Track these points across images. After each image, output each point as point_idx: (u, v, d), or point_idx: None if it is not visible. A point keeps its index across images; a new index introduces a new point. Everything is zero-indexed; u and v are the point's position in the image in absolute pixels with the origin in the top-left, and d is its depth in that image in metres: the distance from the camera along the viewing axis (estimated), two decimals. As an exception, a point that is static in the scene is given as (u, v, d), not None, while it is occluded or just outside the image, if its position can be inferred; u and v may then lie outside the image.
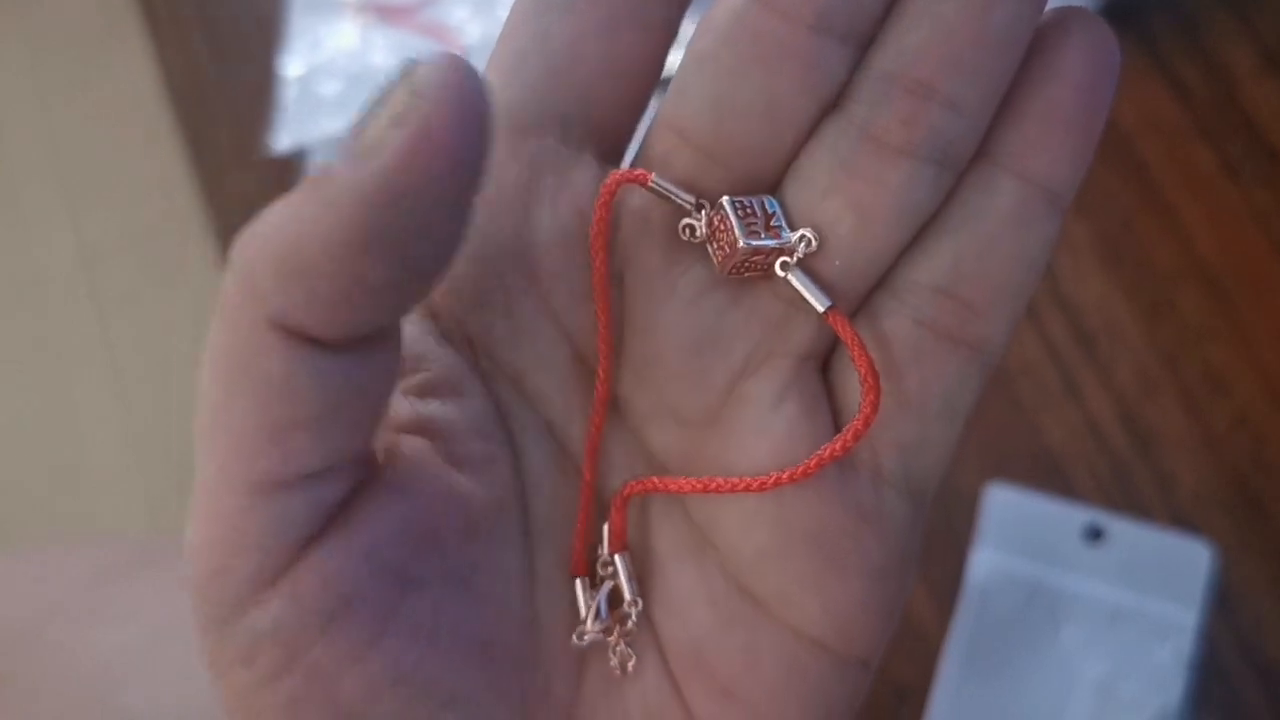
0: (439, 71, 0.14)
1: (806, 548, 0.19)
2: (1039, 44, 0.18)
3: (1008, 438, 0.42)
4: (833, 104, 0.18)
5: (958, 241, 0.19)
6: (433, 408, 0.19)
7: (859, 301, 0.19)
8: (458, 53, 0.47)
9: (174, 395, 1.14)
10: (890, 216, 0.18)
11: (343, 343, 0.16)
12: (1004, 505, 0.40)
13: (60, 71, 1.28)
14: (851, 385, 0.19)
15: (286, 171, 0.50)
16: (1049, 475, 0.41)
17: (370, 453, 0.18)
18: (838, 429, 0.19)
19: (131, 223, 1.21)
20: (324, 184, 0.14)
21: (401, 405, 0.19)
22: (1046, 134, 0.18)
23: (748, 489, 0.18)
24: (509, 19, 0.20)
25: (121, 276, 1.20)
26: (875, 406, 0.18)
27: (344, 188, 0.14)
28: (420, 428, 0.19)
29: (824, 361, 0.20)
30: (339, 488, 0.17)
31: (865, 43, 0.18)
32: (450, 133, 0.14)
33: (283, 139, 0.49)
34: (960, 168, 0.18)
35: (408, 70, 0.14)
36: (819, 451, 0.18)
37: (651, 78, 0.20)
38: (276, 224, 0.15)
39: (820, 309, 0.18)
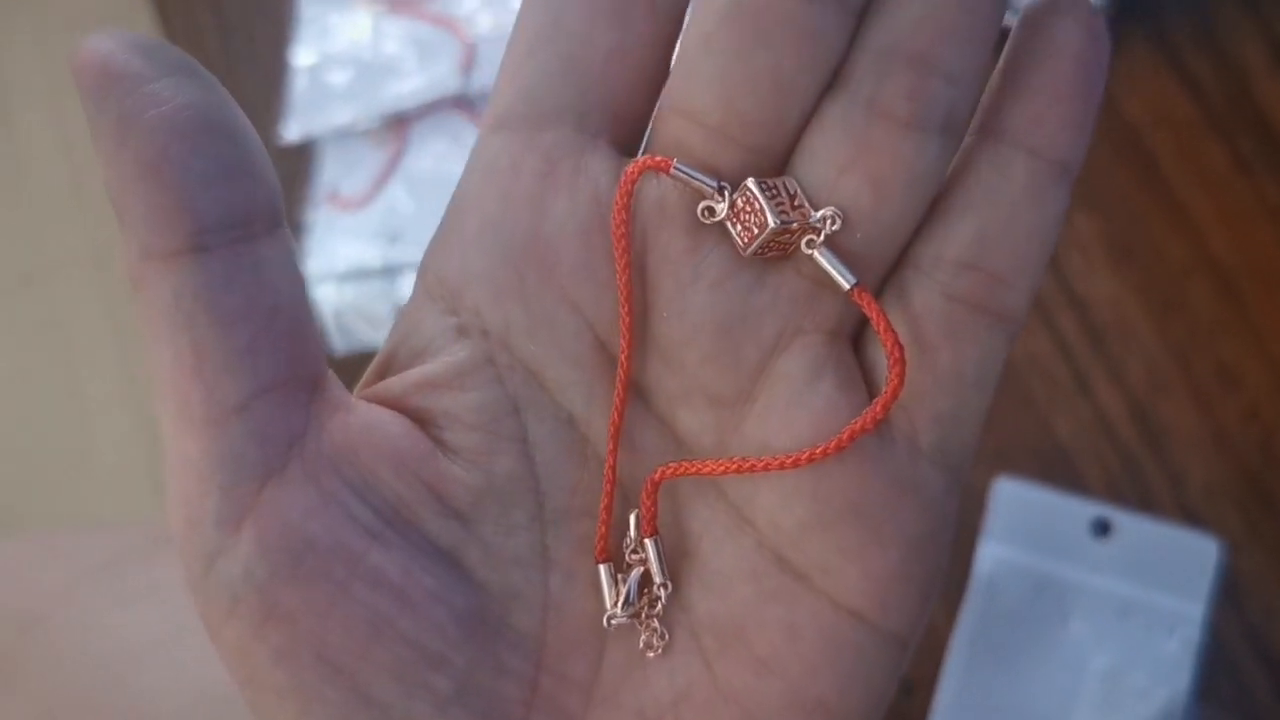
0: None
1: (846, 519, 0.19)
2: (1032, 25, 0.19)
3: (1017, 432, 0.42)
4: (834, 77, 0.19)
5: (980, 217, 0.19)
6: (431, 399, 0.19)
7: (883, 273, 0.20)
8: (468, 43, 0.47)
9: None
10: (905, 187, 0.19)
11: (199, 240, 0.17)
12: (1012, 499, 0.40)
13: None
14: (884, 359, 0.19)
15: (297, 161, 0.50)
16: (1058, 470, 0.41)
17: (312, 383, 0.19)
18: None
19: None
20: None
21: (394, 385, 0.20)
22: (1051, 108, 0.19)
23: (782, 467, 0.19)
24: (521, 9, 0.20)
25: (124, 258, 1.20)
26: (902, 379, 0.18)
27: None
28: (411, 412, 0.19)
29: (855, 338, 0.20)
30: (280, 416, 0.18)
31: (860, 11, 0.19)
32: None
33: (292, 128, 0.49)
34: (960, 134, 0.19)
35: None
36: (850, 425, 0.19)
37: (664, 64, 0.20)
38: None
39: (846, 286, 0.19)
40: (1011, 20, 0.20)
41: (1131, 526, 0.39)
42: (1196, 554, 0.38)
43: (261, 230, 0.18)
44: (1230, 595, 0.39)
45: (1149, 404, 0.41)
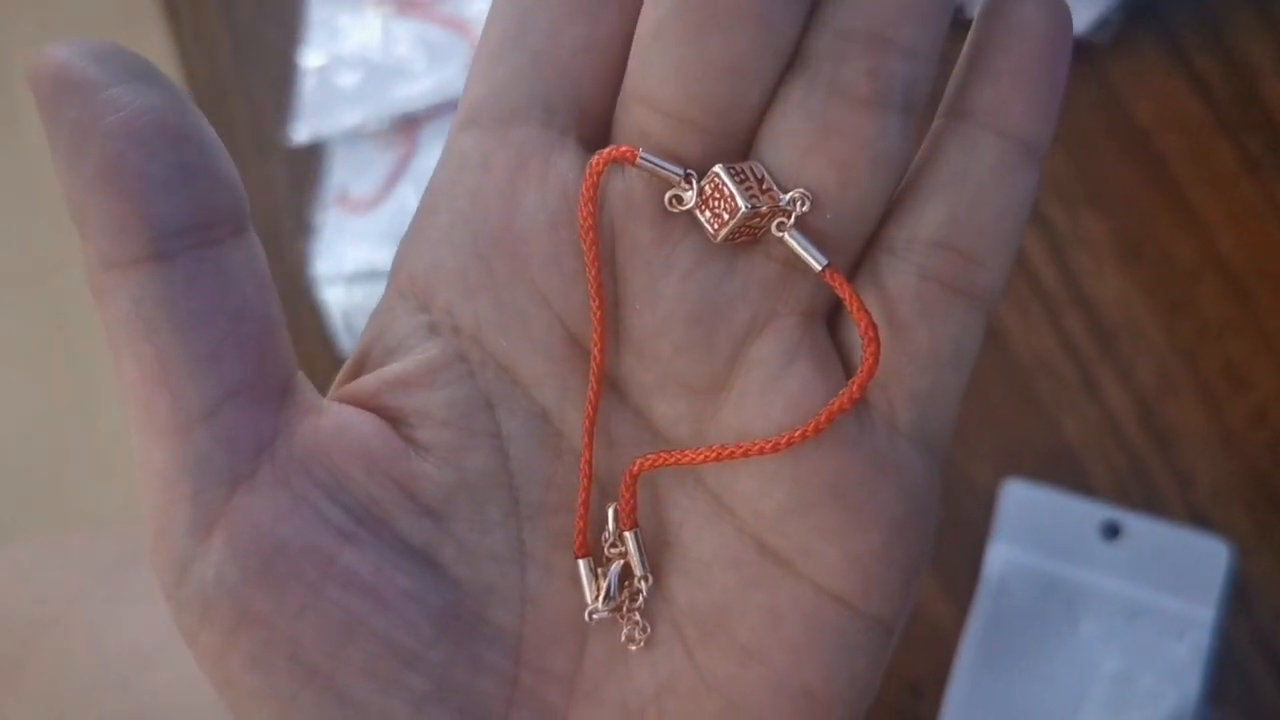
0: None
1: (827, 500, 0.19)
2: (995, 5, 0.20)
3: (1025, 433, 0.42)
4: (792, 58, 0.19)
5: (950, 197, 0.19)
6: (403, 397, 0.19)
7: (854, 255, 0.20)
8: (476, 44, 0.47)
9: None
10: (869, 166, 0.19)
11: (159, 247, 0.17)
12: (1021, 501, 0.40)
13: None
14: (859, 340, 0.19)
15: (306, 162, 0.50)
16: (1066, 471, 0.41)
17: (281, 388, 0.19)
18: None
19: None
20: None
21: (366, 384, 0.20)
22: (1017, 90, 0.19)
23: (761, 452, 0.19)
24: (491, 8, 0.20)
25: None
26: (877, 357, 0.19)
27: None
28: (382, 410, 0.19)
29: (830, 320, 0.20)
30: (248, 421, 0.18)
31: None
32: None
33: (301, 130, 0.49)
34: (920, 110, 0.19)
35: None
36: (828, 406, 0.19)
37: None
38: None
39: (817, 267, 0.19)
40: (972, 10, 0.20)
41: (1141, 529, 0.39)
42: (1206, 557, 0.38)
43: (225, 234, 0.18)
44: (1239, 598, 0.38)
45: (1157, 405, 0.41)
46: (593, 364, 0.19)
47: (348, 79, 0.48)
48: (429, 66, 0.47)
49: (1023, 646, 0.39)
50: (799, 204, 0.19)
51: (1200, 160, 0.43)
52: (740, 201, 0.18)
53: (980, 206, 0.19)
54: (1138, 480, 0.41)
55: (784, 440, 0.19)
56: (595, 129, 0.20)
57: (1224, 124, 0.43)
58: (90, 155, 0.17)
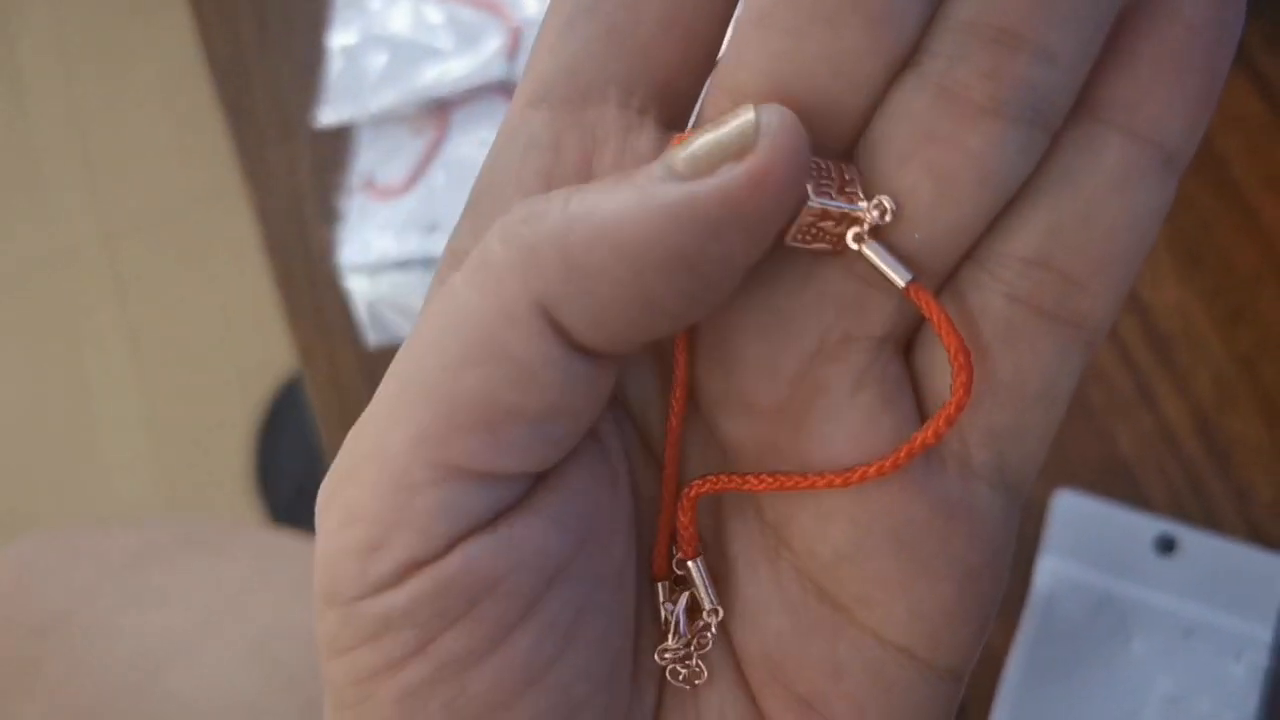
0: (782, 115, 0.15)
1: (889, 548, 0.17)
2: None
3: (1077, 443, 0.40)
4: (907, 62, 0.17)
5: (1056, 207, 0.17)
6: None
7: (944, 278, 0.18)
8: (514, 27, 0.45)
9: (193, 378, 1.13)
10: (974, 183, 0.16)
11: (595, 350, 0.16)
12: (1072, 512, 0.39)
13: (84, 46, 1.27)
14: (939, 368, 0.18)
15: (332, 146, 0.49)
16: (1120, 483, 0.40)
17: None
18: (923, 417, 0.18)
19: (153, 202, 1.20)
20: (645, 185, 0.15)
21: None
22: (1159, 82, 0.16)
23: (829, 485, 0.17)
24: None
25: (143, 256, 1.19)
26: (968, 388, 0.16)
27: (676, 194, 0.15)
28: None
29: (907, 344, 0.18)
30: (521, 491, 0.17)
31: None
32: (784, 173, 0.15)
33: (328, 113, 0.48)
34: (1056, 126, 0.17)
35: (745, 111, 0.15)
36: (909, 441, 0.17)
37: (716, 37, 0.18)
38: (580, 209, 0.15)
39: (900, 283, 0.17)
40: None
41: (1197, 544, 0.38)
42: (1265, 574, 0.38)
43: None
44: (1299, 618, 0.37)
45: (1215, 416, 0.40)
46: (676, 368, 0.18)
47: (376, 60, 0.47)
48: (461, 48, 0.46)
49: (1072, 665, 0.38)
50: (878, 211, 0.16)
51: (1262, 162, 0.42)
52: (811, 195, 0.16)
53: (1091, 221, 0.17)
54: (1194, 493, 0.39)
55: (856, 475, 0.17)
56: (676, 109, 0.18)
57: (1287, 125, 0.42)
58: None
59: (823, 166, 0.17)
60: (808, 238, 0.17)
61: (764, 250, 0.16)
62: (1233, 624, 0.37)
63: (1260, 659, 0.37)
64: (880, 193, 0.17)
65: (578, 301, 0.15)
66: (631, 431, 0.19)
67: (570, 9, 0.18)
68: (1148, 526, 0.38)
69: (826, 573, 0.18)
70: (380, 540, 0.16)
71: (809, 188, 0.16)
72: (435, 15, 0.46)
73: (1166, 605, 0.38)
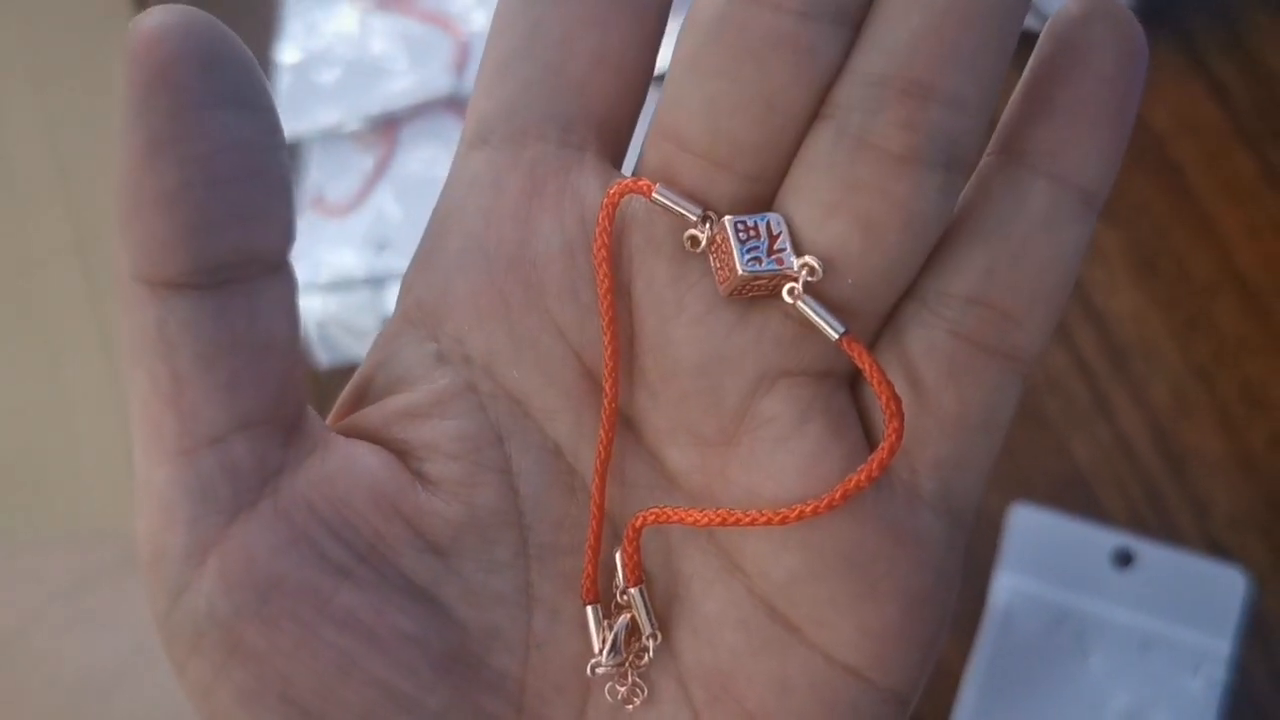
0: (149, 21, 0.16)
1: (840, 570, 0.18)
2: (1061, 36, 0.18)
3: (1034, 456, 0.40)
4: (824, 102, 0.18)
5: (990, 248, 0.18)
6: (411, 429, 0.19)
7: (881, 318, 0.18)
8: (461, 42, 0.45)
9: (168, 384, 1.12)
10: (900, 228, 0.17)
11: (194, 279, 0.17)
12: (1029, 527, 0.39)
13: (55, 54, 1.26)
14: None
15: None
16: (1077, 496, 0.40)
17: (291, 422, 0.18)
18: (872, 447, 0.19)
19: (126, 207, 1.19)
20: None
21: (373, 415, 0.19)
22: (1076, 131, 0.18)
23: (769, 522, 0.18)
24: (495, 18, 0.19)
25: (115, 262, 1.18)
26: (900, 433, 0.17)
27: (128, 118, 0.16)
28: (390, 443, 0.19)
29: (852, 377, 0.19)
30: (255, 453, 0.17)
31: (856, 23, 0.17)
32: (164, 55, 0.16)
33: (277, 129, 0.47)
34: (969, 167, 0.18)
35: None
36: (844, 483, 0.17)
37: (647, 69, 0.19)
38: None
39: (834, 336, 0.17)
40: (1037, 25, 0.18)
41: (1155, 557, 0.38)
42: (1223, 587, 0.37)
43: (263, 270, 0.17)
44: (1257, 630, 0.37)
45: (1172, 427, 0.40)
46: (605, 404, 0.18)
47: (325, 76, 0.47)
48: (410, 64, 0.45)
49: (1030, 681, 0.38)
50: (806, 271, 0.17)
51: (1218, 169, 0.41)
52: (739, 264, 0.17)
53: (1023, 260, 0.18)
54: (1151, 506, 0.39)
55: (794, 513, 0.17)
56: (613, 144, 0.19)
57: (1243, 132, 0.42)
58: (158, 173, 0.16)
59: (751, 227, 0.17)
60: (743, 293, 0.18)
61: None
62: (1191, 637, 0.37)
63: (1218, 672, 0.36)
64: (812, 241, 0.17)
65: (142, 247, 0.17)
66: (559, 470, 0.19)
67: (505, 51, 0.19)
68: (1105, 540, 0.38)
69: (779, 593, 0.18)
70: (159, 548, 0.17)
71: (738, 259, 0.17)
72: (383, 31, 0.46)
73: (1124, 619, 0.38)
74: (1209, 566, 0.37)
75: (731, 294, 0.18)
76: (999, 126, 0.19)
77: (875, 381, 0.17)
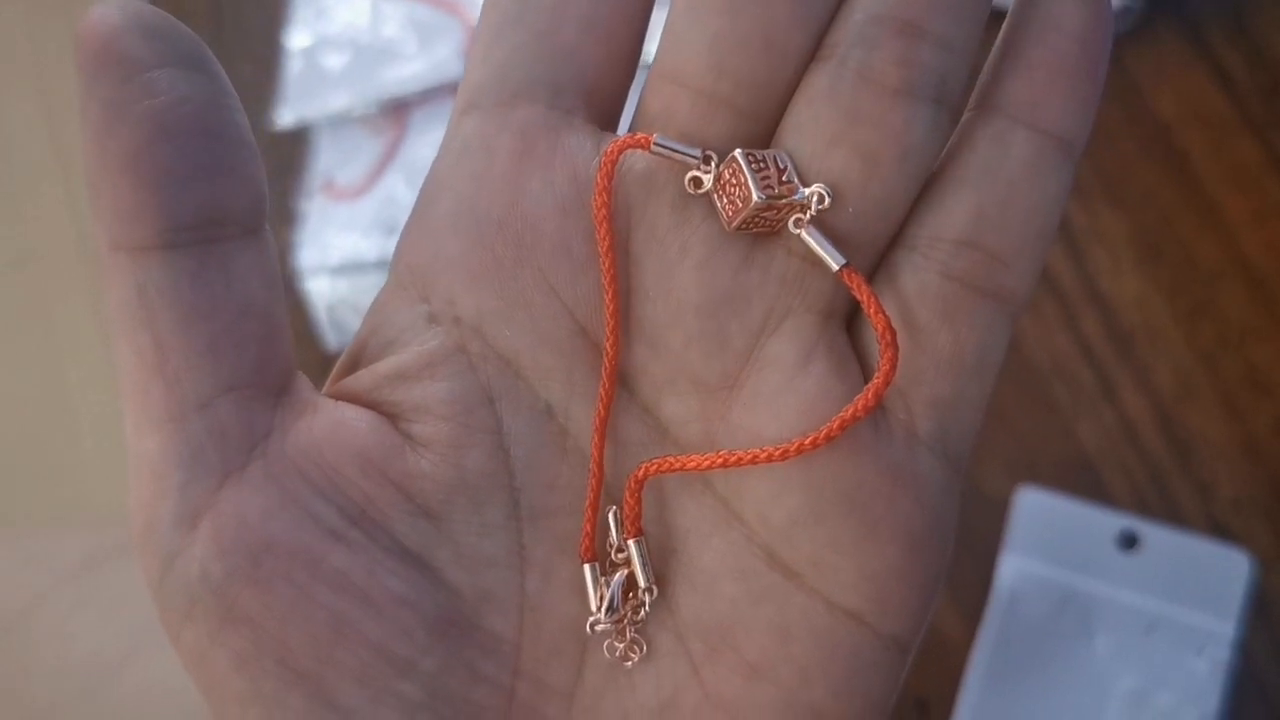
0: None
1: (841, 511, 0.18)
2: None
3: (1039, 440, 0.40)
4: (821, 44, 0.18)
5: (979, 193, 0.19)
6: (400, 391, 0.19)
7: (876, 252, 0.19)
8: (471, 27, 0.45)
9: (169, 375, 1.12)
10: (897, 159, 0.18)
11: (167, 238, 0.17)
12: (1035, 509, 0.39)
13: (56, 43, 1.26)
14: (878, 344, 0.19)
15: (290, 148, 0.48)
16: (1082, 479, 0.40)
17: (279, 386, 0.18)
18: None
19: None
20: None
21: (364, 378, 0.19)
22: (1054, 85, 0.19)
23: (769, 460, 0.18)
24: None
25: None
26: (894, 363, 0.18)
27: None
28: (379, 404, 0.19)
29: (849, 320, 0.20)
30: (243, 416, 0.18)
31: None
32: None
33: (285, 114, 0.47)
34: (955, 105, 0.19)
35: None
36: (841, 413, 0.18)
37: (638, 35, 0.20)
38: None
39: (835, 266, 0.18)
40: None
41: (1159, 540, 0.38)
42: (1227, 569, 0.38)
43: (236, 232, 0.18)
44: (1261, 612, 0.37)
45: (1176, 411, 0.40)
46: (605, 360, 0.19)
47: (334, 61, 0.47)
48: (419, 48, 0.45)
49: (1035, 662, 0.38)
50: (817, 199, 0.18)
51: (1223, 157, 0.42)
52: (754, 192, 0.18)
53: (1010, 204, 0.19)
54: (1156, 489, 0.39)
55: (793, 448, 0.18)
56: (603, 108, 0.20)
57: (1248, 120, 0.42)
58: (117, 137, 0.17)
59: (761, 160, 0.18)
60: (748, 226, 0.18)
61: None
62: (1195, 619, 0.37)
63: (1222, 654, 0.37)
64: (814, 173, 0.18)
65: (111, 213, 0.17)
66: (552, 430, 0.19)
67: (498, 19, 0.19)
68: (1110, 523, 0.38)
69: (779, 538, 0.19)
70: (151, 517, 0.18)
71: (753, 187, 0.18)
72: (393, 15, 0.46)
73: (1129, 601, 0.38)
74: (1213, 549, 0.38)
75: (740, 227, 0.18)
76: (979, 83, 0.20)
77: (871, 311, 0.18)
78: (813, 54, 0.18)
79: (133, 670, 0.35)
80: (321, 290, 0.44)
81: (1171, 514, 0.39)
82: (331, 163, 0.46)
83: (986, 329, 0.19)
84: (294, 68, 0.48)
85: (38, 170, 1.22)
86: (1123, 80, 0.43)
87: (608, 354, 0.19)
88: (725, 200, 0.18)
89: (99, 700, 0.34)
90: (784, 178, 0.18)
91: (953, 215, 0.19)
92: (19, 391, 1.16)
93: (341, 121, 0.47)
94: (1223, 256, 0.41)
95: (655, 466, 0.19)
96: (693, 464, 0.18)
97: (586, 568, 0.19)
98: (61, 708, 0.34)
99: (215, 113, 0.17)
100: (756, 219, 0.18)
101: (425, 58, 0.45)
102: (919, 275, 0.19)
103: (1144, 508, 0.39)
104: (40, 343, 1.17)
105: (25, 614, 0.37)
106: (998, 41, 0.19)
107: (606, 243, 0.18)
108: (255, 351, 0.18)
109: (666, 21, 0.19)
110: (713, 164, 0.18)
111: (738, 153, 0.18)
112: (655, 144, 0.18)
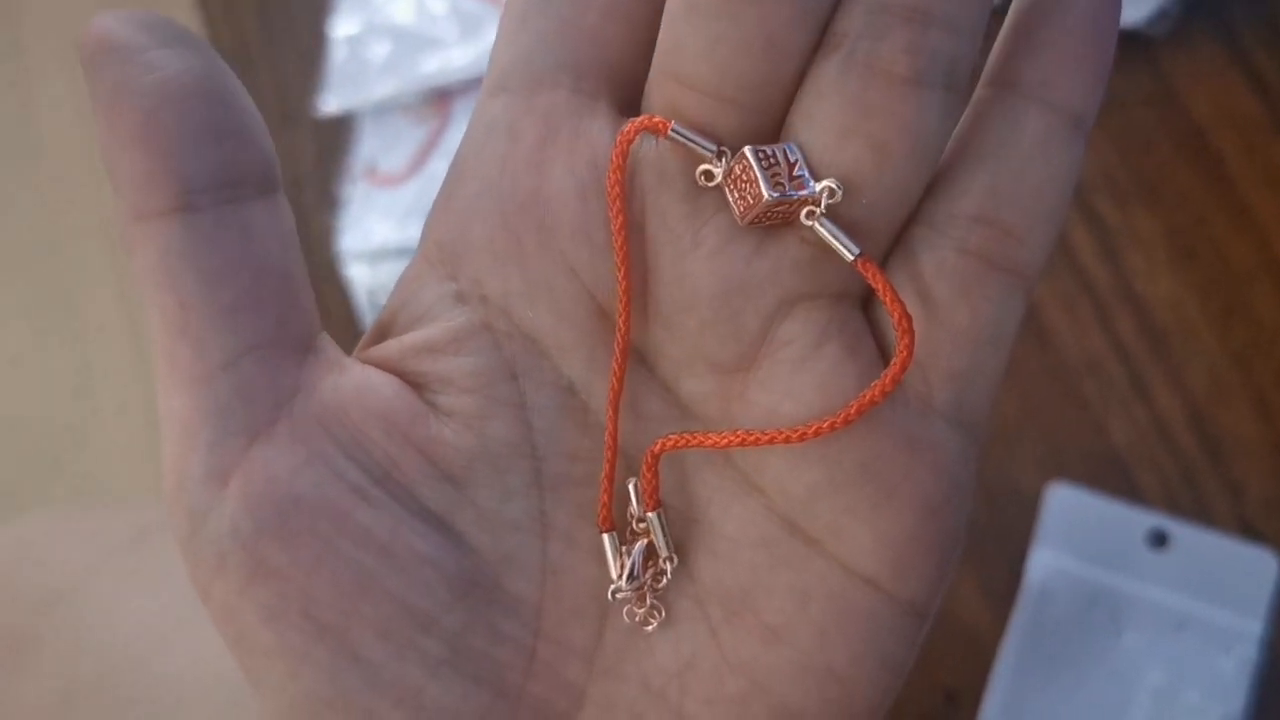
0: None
1: (858, 480, 0.19)
2: None
3: (1071, 436, 0.41)
4: (823, 33, 0.18)
5: (993, 170, 0.19)
6: (427, 363, 0.19)
7: (891, 238, 0.19)
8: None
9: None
10: (908, 149, 0.18)
11: (184, 201, 0.18)
12: (1066, 505, 0.39)
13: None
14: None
15: (334, 134, 0.49)
16: (1113, 477, 0.40)
17: (303, 345, 0.19)
18: (885, 363, 0.19)
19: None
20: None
21: (391, 348, 0.20)
22: (1064, 62, 0.19)
23: (787, 440, 0.18)
24: None
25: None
26: (911, 350, 0.18)
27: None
28: (405, 374, 0.19)
29: (865, 299, 0.20)
30: (268, 374, 0.18)
31: None
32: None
33: (330, 101, 0.48)
34: (964, 88, 0.19)
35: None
36: (859, 399, 0.18)
37: (656, 22, 0.19)
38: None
39: (849, 257, 0.18)
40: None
41: (1189, 538, 0.38)
42: (1256, 569, 0.38)
43: (252, 193, 0.18)
44: (1289, 612, 0.38)
45: (1208, 411, 0.40)
46: (618, 336, 0.19)
47: (378, 49, 0.47)
48: (463, 37, 0.46)
49: (1063, 656, 0.38)
50: (828, 194, 0.18)
51: (1257, 160, 0.42)
52: (764, 190, 0.18)
53: (1023, 180, 0.19)
54: (1187, 488, 0.40)
55: (811, 430, 0.18)
56: (626, 94, 0.20)
57: (1283, 124, 0.42)
58: (126, 112, 0.18)
59: (771, 156, 0.18)
60: (761, 220, 0.18)
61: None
62: (1223, 618, 0.37)
63: (1250, 653, 0.37)
64: (826, 166, 0.18)
65: (128, 181, 0.18)
66: (573, 405, 0.20)
67: (524, 5, 0.20)
68: (1140, 520, 0.39)
69: (799, 508, 0.19)
70: (181, 475, 0.18)
71: (763, 185, 0.18)
72: (437, 4, 0.46)
73: (1158, 599, 0.38)
74: (1242, 549, 0.38)
75: (752, 222, 0.18)
76: (989, 62, 0.20)
77: (888, 300, 0.18)
78: (817, 45, 0.18)
79: (180, 642, 0.35)
80: (362, 275, 0.45)
81: (1201, 513, 0.39)
82: (375, 150, 0.47)
83: (1002, 303, 0.19)
84: (339, 55, 0.48)
85: (68, 161, 1.23)
86: (1158, 84, 0.43)
87: (620, 329, 0.19)
88: (737, 195, 0.18)
89: (148, 671, 0.35)
90: (794, 172, 0.18)
91: (968, 192, 0.19)
92: (42, 375, 1.17)
93: (385, 109, 0.47)
94: (1256, 258, 0.41)
95: (673, 442, 0.19)
96: (710, 441, 0.19)
97: (605, 537, 0.20)
98: (110, 678, 0.35)
99: (214, 80, 0.18)
100: (770, 213, 0.18)
101: (469, 47, 0.45)
102: (935, 252, 0.19)
103: (1174, 506, 0.39)
104: (65, 328, 1.18)
105: (75, 588, 0.37)
106: (1008, 19, 0.20)
107: (619, 221, 0.19)
108: (277, 310, 0.18)
109: (665, 18, 0.19)
110: (724, 159, 0.18)
111: (748, 150, 0.18)
112: (672, 130, 0.18)
